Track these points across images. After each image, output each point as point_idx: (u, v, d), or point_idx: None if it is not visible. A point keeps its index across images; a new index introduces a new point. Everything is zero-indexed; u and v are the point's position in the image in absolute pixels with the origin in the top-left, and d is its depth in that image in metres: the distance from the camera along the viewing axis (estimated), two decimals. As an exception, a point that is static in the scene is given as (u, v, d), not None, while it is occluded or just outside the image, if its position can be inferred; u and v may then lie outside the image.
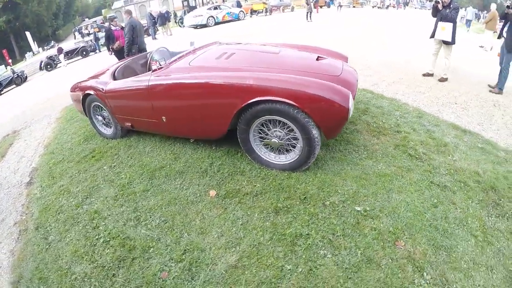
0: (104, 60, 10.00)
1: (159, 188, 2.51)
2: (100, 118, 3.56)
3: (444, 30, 4.61)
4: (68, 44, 18.88)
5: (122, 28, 5.95)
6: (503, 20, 4.83)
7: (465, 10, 13.88)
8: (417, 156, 2.67)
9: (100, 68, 4.45)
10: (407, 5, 30.06)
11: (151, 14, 15.14)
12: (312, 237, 1.86)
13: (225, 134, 2.53)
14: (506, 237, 1.94)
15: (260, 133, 2.42)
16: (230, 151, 2.80)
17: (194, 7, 24.23)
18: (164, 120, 2.76)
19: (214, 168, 2.62)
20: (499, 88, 4.49)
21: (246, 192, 2.29)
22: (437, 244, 1.82)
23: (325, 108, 2.06)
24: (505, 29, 4.52)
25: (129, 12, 5.81)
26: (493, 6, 9.03)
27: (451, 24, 4.56)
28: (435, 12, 4.83)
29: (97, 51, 16.22)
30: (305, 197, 2.16)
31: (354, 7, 26.03)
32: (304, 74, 2.33)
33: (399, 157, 2.66)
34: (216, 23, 16.60)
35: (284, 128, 2.28)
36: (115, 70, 3.49)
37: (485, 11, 18.88)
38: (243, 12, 18.83)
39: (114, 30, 6.39)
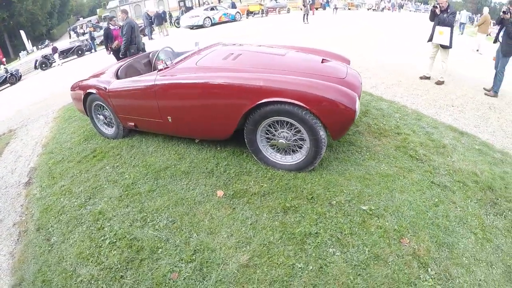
0: (101, 60, 9.91)
1: (165, 188, 2.49)
2: (101, 117, 3.51)
3: (442, 34, 4.69)
4: (63, 43, 18.65)
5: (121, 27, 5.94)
6: (498, 25, 4.96)
7: (459, 13, 14.16)
8: (417, 157, 2.74)
9: (97, 67, 4.39)
10: (402, 8, 30.53)
11: (147, 14, 15.05)
12: (321, 236, 1.89)
13: (231, 134, 2.54)
14: (504, 234, 2.02)
15: (267, 134, 2.44)
16: (236, 152, 2.81)
17: (191, 8, 24.15)
18: (170, 120, 2.75)
19: (220, 168, 2.63)
20: (494, 91, 4.62)
21: (253, 192, 2.31)
22: (439, 241, 1.88)
23: (333, 110, 2.11)
24: (501, 33, 4.64)
25: (125, 12, 5.79)
26: (486, 10, 9.28)
27: (449, 29, 4.64)
28: (433, 16, 4.90)
29: (93, 50, 16.02)
30: (312, 197, 2.20)
31: (349, 9, 26.29)
32: (310, 76, 2.36)
33: (400, 158, 2.72)
34: (213, 24, 16.58)
35: (291, 129, 2.31)
36: (118, 69, 3.46)
37: (479, 14, 19.24)
38: (239, 13, 18.86)
39: (112, 30, 6.37)
